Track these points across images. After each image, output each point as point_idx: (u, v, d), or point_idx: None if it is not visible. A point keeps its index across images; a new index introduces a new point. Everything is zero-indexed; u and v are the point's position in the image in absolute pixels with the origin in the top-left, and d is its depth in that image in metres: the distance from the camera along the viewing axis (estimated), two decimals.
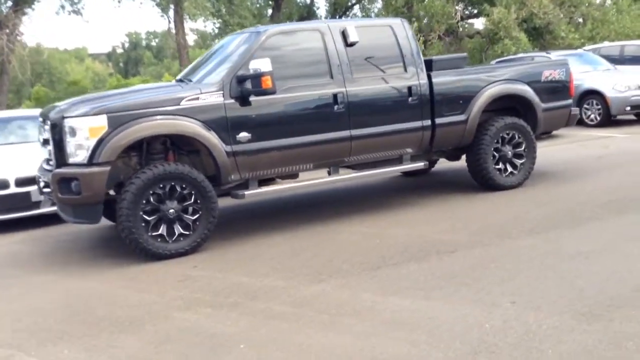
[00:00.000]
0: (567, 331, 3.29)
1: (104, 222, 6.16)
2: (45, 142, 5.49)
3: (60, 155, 5.16)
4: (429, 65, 6.53)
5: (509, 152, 6.81)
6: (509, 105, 7.00)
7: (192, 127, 5.27)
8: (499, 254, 4.74)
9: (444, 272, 4.42)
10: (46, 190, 5.53)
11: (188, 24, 27.17)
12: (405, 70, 6.28)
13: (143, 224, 5.15)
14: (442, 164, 8.12)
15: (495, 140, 6.72)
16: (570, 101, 7.27)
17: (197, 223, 5.34)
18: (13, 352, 3.67)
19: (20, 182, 6.90)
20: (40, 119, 5.71)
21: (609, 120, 11.73)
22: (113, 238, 6.06)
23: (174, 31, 23.62)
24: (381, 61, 6.19)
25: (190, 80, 5.87)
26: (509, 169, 6.85)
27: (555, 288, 3.93)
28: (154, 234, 5.21)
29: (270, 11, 26.61)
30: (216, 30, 25.83)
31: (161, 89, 5.91)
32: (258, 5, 26.62)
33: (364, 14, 29.09)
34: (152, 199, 5.16)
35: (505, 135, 6.78)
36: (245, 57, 5.55)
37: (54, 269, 5.45)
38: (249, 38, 5.82)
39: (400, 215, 6.23)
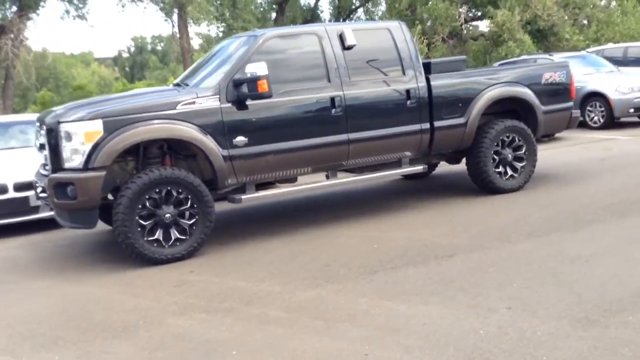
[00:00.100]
0: (562, 337, 3.25)
1: (102, 226, 6.16)
2: (42, 147, 5.48)
3: (56, 160, 5.15)
4: (428, 68, 6.49)
5: (509, 155, 6.76)
6: (509, 108, 6.95)
7: (188, 131, 5.25)
8: (498, 257, 4.69)
9: (441, 277, 4.37)
10: (43, 195, 5.52)
11: (193, 28, 27.30)
12: (404, 73, 6.25)
13: (139, 229, 5.13)
14: (443, 167, 8.08)
15: (495, 143, 6.68)
16: (571, 103, 7.21)
17: (194, 228, 5.32)
18: (7, 358, 3.65)
19: (19, 187, 6.90)
20: (37, 124, 5.71)
21: (612, 122, 11.65)
22: (111, 243, 6.04)
23: (178, 35, 23.68)
24: (379, 64, 6.16)
25: (187, 85, 5.86)
26: (510, 172, 6.81)
27: (553, 293, 3.88)
28: (150, 238, 5.19)
29: (274, 15, 26.64)
30: (220, 34, 25.86)
31: (157, 93, 5.89)
32: (262, 9, 26.64)
33: (367, 17, 29.09)
34: (148, 204, 5.14)
35: (506, 138, 6.73)
36: (242, 60, 5.53)
37: (52, 274, 5.44)
38: (246, 42, 5.80)
39: (399, 219, 6.19)
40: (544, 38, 21.20)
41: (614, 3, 24.11)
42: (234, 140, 5.43)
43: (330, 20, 28.44)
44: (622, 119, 11.94)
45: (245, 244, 5.75)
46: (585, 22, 22.94)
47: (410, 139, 6.27)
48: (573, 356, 3.04)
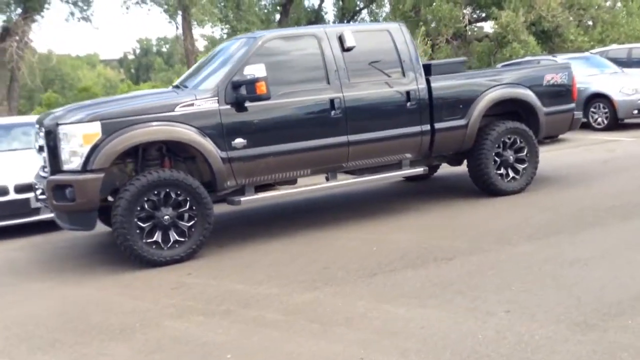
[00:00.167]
0: (560, 341, 3.21)
1: (103, 228, 6.16)
2: (41, 149, 5.48)
3: (54, 162, 5.15)
4: (428, 70, 6.46)
5: (511, 157, 6.73)
6: (510, 109, 6.92)
7: (187, 133, 5.24)
8: (497, 260, 4.66)
9: (440, 280, 4.35)
10: (42, 197, 5.52)
11: (198, 30, 27.35)
12: (404, 74, 6.22)
13: (138, 231, 5.12)
14: (445, 169, 8.04)
15: (497, 145, 6.64)
16: (573, 105, 7.17)
17: (193, 230, 5.31)
18: None
19: (19, 189, 6.91)
20: (37, 126, 5.71)
21: (616, 123, 11.58)
22: (111, 244, 6.03)
23: (182, 37, 23.73)
24: (379, 66, 6.14)
25: (187, 86, 5.85)
26: (511, 174, 6.77)
27: (552, 296, 3.85)
28: (149, 240, 5.18)
29: (278, 16, 26.66)
30: (225, 36, 25.89)
31: (156, 95, 5.89)
32: (266, 11, 26.67)
33: (372, 18, 29.08)
34: (146, 206, 5.14)
35: (507, 140, 6.70)
36: (241, 62, 5.52)
37: (51, 275, 5.44)
38: (245, 43, 5.79)
39: (400, 221, 6.17)
40: (549, 39, 21.10)
41: (619, 4, 23.98)
42: (232, 142, 5.42)
43: (334, 22, 28.46)
44: (626, 121, 11.86)
45: (244, 246, 5.74)
46: (590, 23, 22.82)
47: (411, 140, 6.24)
48: None
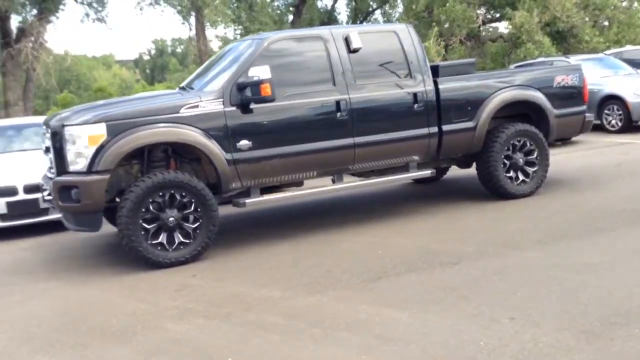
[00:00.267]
0: (564, 350, 3.15)
1: (111, 228, 6.17)
2: (48, 150, 5.50)
3: (60, 163, 5.17)
4: (436, 72, 6.40)
5: (521, 160, 6.64)
6: (520, 111, 6.84)
7: (191, 135, 5.24)
8: (503, 265, 4.59)
9: (444, 285, 4.29)
10: (49, 198, 5.54)
11: (213, 31, 27.45)
12: (411, 76, 6.17)
13: (143, 232, 5.13)
14: (454, 171, 7.97)
15: (506, 148, 6.56)
16: (584, 107, 7.06)
17: (198, 231, 5.30)
18: None
19: (28, 189, 6.95)
20: (44, 127, 5.74)
21: (630, 126, 11.39)
22: (118, 245, 6.03)
23: (195, 38, 23.80)
24: (385, 67, 6.09)
25: (193, 88, 5.85)
26: (521, 177, 6.69)
27: (558, 303, 3.77)
28: (154, 242, 5.18)
29: (291, 17, 26.65)
30: (238, 37, 25.95)
31: (161, 97, 5.90)
32: (279, 12, 26.66)
33: (385, 19, 28.97)
34: (151, 207, 5.14)
35: (517, 143, 6.62)
36: (246, 64, 5.50)
37: (56, 275, 5.46)
38: (250, 45, 5.78)
39: (406, 224, 6.11)
40: (564, 40, 20.87)
41: (635, 4, 23.66)
42: (237, 144, 5.40)
43: (347, 23, 28.39)
44: None
45: (249, 248, 5.72)
46: (606, 23, 22.55)
47: (418, 143, 6.19)
48: None
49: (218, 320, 4.00)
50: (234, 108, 5.41)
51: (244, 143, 5.42)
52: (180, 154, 5.54)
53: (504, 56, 22.35)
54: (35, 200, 6.90)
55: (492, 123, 6.57)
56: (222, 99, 5.39)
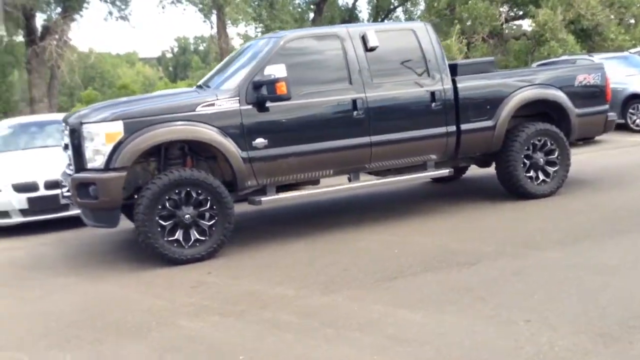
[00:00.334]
0: (581, 354, 3.09)
1: (129, 225, 6.22)
2: (66, 147, 5.57)
3: (78, 160, 5.23)
4: (454, 70, 6.33)
5: (541, 160, 6.55)
6: (541, 110, 6.73)
7: (207, 133, 5.25)
8: (522, 266, 4.52)
9: (461, 285, 4.24)
10: (67, 194, 5.61)
11: (234, 29, 27.55)
12: (429, 74, 6.11)
13: (159, 229, 5.16)
14: (474, 170, 7.89)
15: (526, 147, 6.47)
16: (606, 106, 6.93)
17: (213, 229, 5.32)
18: (21, 356, 3.70)
19: (49, 185, 7.04)
20: (63, 124, 5.80)
21: None
22: (135, 241, 6.07)
23: (217, 36, 23.91)
24: (403, 66, 6.05)
25: (209, 86, 5.87)
26: (541, 176, 6.59)
27: (576, 305, 3.71)
28: (170, 239, 5.21)
29: (312, 15, 26.62)
30: (259, 35, 26.01)
31: (178, 95, 5.93)
32: (299, 10, 26.65)
33: (407, 16, 28.80)
34: (168, 205, 5.17)
35: (537, 142, 6.52)
36: (262, 62, 5.50)
37: (75, 271, 5.52)
38: (267, 43, 5.77)
39: (424, 223, 6.06)
40: (588, 38, 20.54)
41: None
42: (253, 142, 5.41)
43: (368, 20, 28.29)
44: None
45: (265, 245, 5.73)
46: (632, 21, 22.14)
47: (435, 142, 6.13)
48: None
49: (233, 318, 4.01)
50: (249, 106, 5.42)
51: (259, 141, 5.43)
52: (197, 151, 5.56)
53: (527, 54, 22.08)
54: (56, 196, 6.98)
55: (512, 122, 6.49)
56: (238, 97, 5.40)
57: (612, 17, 20.44)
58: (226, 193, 5.33)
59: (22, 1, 19.29)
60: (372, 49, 5.89)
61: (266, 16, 23.50)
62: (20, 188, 7.12)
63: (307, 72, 5.69)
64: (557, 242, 5.01)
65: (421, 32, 6.20)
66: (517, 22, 24.92)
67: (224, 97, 5.39)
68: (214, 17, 23.65)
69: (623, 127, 11.15)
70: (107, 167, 5.09)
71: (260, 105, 5.43)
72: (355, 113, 5.74)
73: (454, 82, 6.23)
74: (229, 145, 5.32)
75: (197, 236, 5.28)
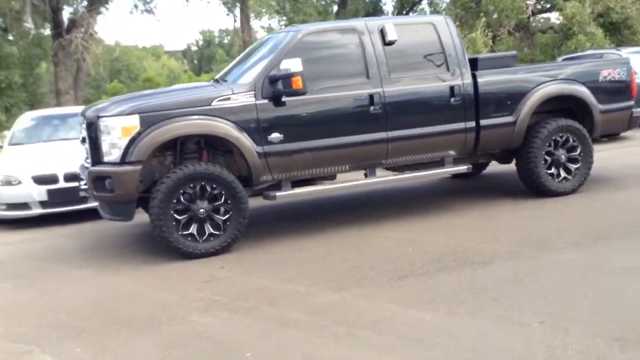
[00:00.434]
0: (594, 358, 3.00)
1: (146, 218, 6.23)
2: (84, 140, 5.61)
3: (95, 153, 5.26)
4: (475, 65, 6.22)
5: (563, 157, 6.42)
6: (563, 106, 6.59)
7: (223, 127, 5.24)
8: (537, 267, 4.43)
9: (474, 285, 4.16)
10: (84, 187, 5.66)
11: (258, 22, 27.57)
12: (448, 69, 6.02)
13: (174, 223, 5.18)
14: (494, 167, 7.76)
15: (547, 144, 6.35)
16: (631, 102, 6.75)
17: (228, 223, 5.32)
18: (32, 348, 3.73)
19: (69, 177, 7.12)
20: (81, 117, 5.85)
21: None
22: (152, 235, 6.08)
23: (240, 29, 23.96)
24: (421, 60, 5.97)
25: (226, 80, 5.85)
26: (563, 174, 6.45)
27: (592, 308, 3.61)
28: (184, 233, 5.22)
29: (335, 8, 26.50)
30: (283, 28, 25.98)
31: (194, 89, 5.94)
32: (323, 3, 26.55)
33: (432, 9, 28.49)
34: (182, 199, 5.18)
35: (559, 139, 6.39)
36: (279, 56, 5.46)
37: (91, 263, 5.58)
38: (284, 37, 5.73)
39: (440, 221, 5.98)
40: (617, 31, 20.10)
41: None
42: (269, 137, 5.38)
43: (392, 13, 28.06)
44: None
45: (279, 241, 5.71)
46: None
47: (454, 137, 6.04)
48: None
49: (241, 314, 4.00)
50: (265, 101, 5.39)
51: (275, 136, 5.40)
52: (213, 146, 5.56)
53: (554, 48, 21.70)
54: (75, 189, 7.02)
55: (533, 118, 6.37)
56: (253, 92, 5.37)
57: None
58: (240, 188, 5.32)
59: None
60: (391, 43, 5.82)
61: (289, 9, 23.48)
62: (40, 180, 7.23)
63: (324, 67, 5.65)
64: (575, 242, 4.90)
65: (441, 26, 6.11)
66: (544, 15, 24.53)
67: (239, 91, 5.37)
68: (237, 11, 23.71)
69: None
70: (122, 161, 5.11)
71: (276, 100, 5.40)
72: (372, 108, 5.68)
73: (474, 76, 6.13)
74: (244, 139, 5.30)
75: (212, 230, 5.29)
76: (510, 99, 6.23)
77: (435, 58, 6.01)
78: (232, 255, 5.36)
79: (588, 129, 6.53)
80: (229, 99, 5.32)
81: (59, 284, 5.06)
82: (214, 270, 4.98)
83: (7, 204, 7.26)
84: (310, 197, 7.02)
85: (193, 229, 5.25)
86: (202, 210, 5.22)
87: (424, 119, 5.91)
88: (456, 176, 7.76)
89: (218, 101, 5.29)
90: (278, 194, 5.61)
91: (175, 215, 5.18)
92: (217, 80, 6.16)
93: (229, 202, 5.29)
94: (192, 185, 5.19)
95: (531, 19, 22.70)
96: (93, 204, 7.01)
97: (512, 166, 6.99)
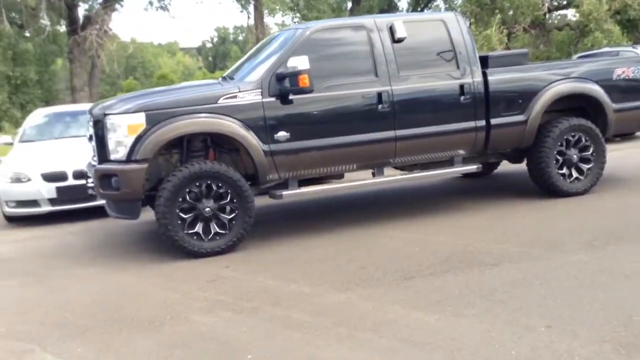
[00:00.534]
0: None
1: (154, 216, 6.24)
2: (91, 138, 5.61)
3: (102, 151, 5.26)
4: (485, 62, 6.13)
5: (575, 156, 6.31)
6: (575, 105, 6.48)
7: (229, 125, 5.21)
8: (547, 269, 4.35)
9: (481, 287, 4.10)
10: (91, 185, 5.66)
11: (272, 19, 27.56)
12: (458, 67, 5.94)
13: (179, 222, 5.16)
14: (505, 166, 7.67)
15: (559, 143, 6.25)
16: None
17: (233, 222, 5.29)
18: (34, 347, 3.73)
19: (77, 175, 7.14)
20: (88, 115, 5.85)
21: None
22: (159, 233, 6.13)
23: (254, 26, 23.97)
24: (431, 58, 5.90)
25: (233, 78, 5.82)
26: (575, 174, 6.35)
27: (601, 312, 3.52)
28: (190, 231, 5.21)
29: (349, 5, 26.40)
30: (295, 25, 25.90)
31: (201, 87, 5.90)
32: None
33: (447, 5, 28.27)
34: (188, 197, 5.16)
35: (571, 138, 6.29)
36: (286, 54, 5.42)
37: (98, 261, 5.58)
38: (292, 35, 5.68)
39: (449, 221, 5.91)
40: (635, 29, 19.81)
41: None
42: (275, 135, 5.34)
43: (407, 10, 27.88)
44: None
45: (285, 240, 5.68)
46: None
47: (464, 136, 5.96)
48: None
49: (245, 315, 3.97)
50: (272, 99, 5.35)
51: (281, 134, 5.36)
52: (219, 144, 5.53)
53: (570, 45, 21.43)
54: (84, 186, 7.05)
55: (545, 117, 6.27)
56: (260, 90, 5.34)
57: None
58: (246, 186, 5.29)
59: None
60: (400, 40, 5.75)
61: (303, 6, 23.43)
62: (49, 177, 7.25)
63: (332, 64, 5.59)
64: (586, 244, 4.81)
65: (451, 23, 6.02)
66: (560, 12, 24.25)
67: (246, 89, 5.34)
68: (251, 8, 23.72)
69: None
70: (128, 159, 5.10)
71: (282, 98, 5.36)
72: (380, 106, 5.62)
73: (484, 74, 6.04)
74: (250, 138, 5.27)
75: (217, 229, 5.27)
76: (521, 98, 6.14)
77: (445, 56, 5.94)
78: (238, 254, 5.33)
79: (601, 128, 6.41)
80: (235, 96, 5.29)
81: (66, 281, 5.06)
82: (219, 270, 4.96)
83: (17, 201, 7.30)
84: (317, 196, 6.97)
85: (199, 227, 5.23)
86: (207, 209, 5.19)
87: (433, 117, 5.83)
88: (466, 175, 7.68)
89: (224, 99, 5.26)
90: (285, 193, 5.57)
91: (181, 214, 5.16)
92: (224, 78, 6.13)
93: (234, 201, 5.26)
94: (197, 184, 5.17)
95: (547, 15, 22.42)
96: (101, 201, 7.05)
97: (523, 166, 6.90)
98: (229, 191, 5.23)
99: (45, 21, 22.63)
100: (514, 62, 6.37)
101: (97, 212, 7.28)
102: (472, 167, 6.22)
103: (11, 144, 8.90)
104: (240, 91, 5.32)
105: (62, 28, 24.41)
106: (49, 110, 9.80)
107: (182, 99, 5.30)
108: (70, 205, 7.25)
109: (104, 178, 5.23)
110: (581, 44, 20.38)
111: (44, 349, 3.68)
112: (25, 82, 26.47)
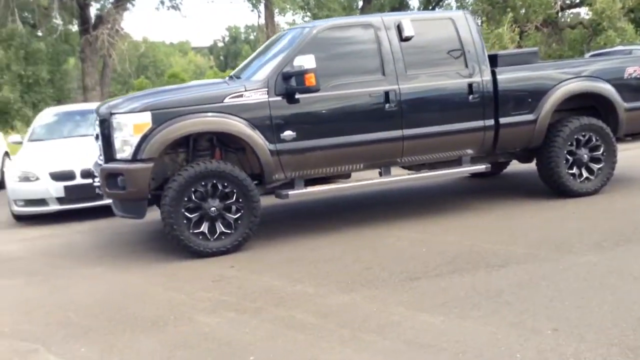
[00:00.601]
0: None
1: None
2: (98, 137, 5.61)
3: (108, 150, 5.26)
4: (494, 61, 6.06)
5: (585, 156, 6.23)
6: (586, 104, 6.39)
7: (235, 124, 5.19)
8: (555, 270, 4.29)
9: (487, 288, 4.05)
10: (98, 184, 5.66)
11: (282, 18, 27.54)
12: (467, 66, 5.88)
13: (185, 221, 5.15)
14: (515, 166, 7.59)
15: (569, 143, 6.17)
16: None
17: (239, 222, 5.28)
18: (37, 347, 3.73)
19: (85, 174, 7.15)
20: (95, 114, 5.85)
21: None
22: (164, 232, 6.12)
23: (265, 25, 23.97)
24: (439, 57, 5.84)
25: (240, 77, 5.80)
26: (585, 174, 6.27)
27: (609, 315, 3.47)
28: (195, 231, 5.19)
29: (360, 3, 26.29)
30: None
31: (207, 86, 5.89)
32: None
33: (458, 4, 28.09)
34: (194, 197, 5.14)
35: (581, 137, 6.20)
36: (293, 53, 5.39)
37: (103, 260, 5.59)
38: (299, 33, 5.65)
39: (456, 221, 5.86)
40: None
41: None
42: (281, 135, 5.32)
43: (418, 9, 27.74)
44: None
45: (291, 240, 5.65)
46: None
47: (472, 136, 5.90)
48: None
49: (248, 315, 3.94)
50: (278, 98, 5.32)
51: (287, 134, 5.33)
52: (225, 143, 5.52)
53: (583, 44, 21.23)
54: (92, 185, 7.07)
55: (555, 116, 6.20)
56: (266, 89, 5.31)
57: None
58: (252, 186, 5.27)
59: None
60: (408, 39, 5.70)
61: (314, 5, 23.38)
62: (57, 176, 7.28)
63: (339, 63, 5.56)
64: (595, 245, 4.74)
65: (460, 22, 5.96)
66: (573, 10, 23.99)
67: (252, 88, 5.32)
68: (262, 7, 23.71)
69: None
70: (134, 158, 5.10)
71: (289, 97, 5.33)
72: (387, 106, 5.58)
73: (493, 73, 5.98)
74: (256, 137, 5.25)
75: (223, 229, 5.25)
76: (530, 97, 6.07)
77: (453, 54, 5.88)
78: (243, 254, 5.31)
79: (612, 127, 6.33)
80: (241, 95, 5.27)
81: (71, 281, 5.07)
82: (224, 270, 4.94)
83: (25, 200, 7.33)
84: (323, 195, 6.94)
85: (204, 227, 5.22)
86: (213, 209, 5.18)
87: (441, 116, 5.78)
88: (475, 175, 7.60)
89: (230, 98, 5.24)
90: (291, 192, 5.54)
91: (187, 214, 5.15)
92: (231, 77, 6.12)
93: (240, 200, 5.25)
94: (203, 183, 5.15)
95: (560, 14, 22.21)
96: (109, 200, 7.07)
97: (532, 165, 6.82)
98: (235, 191, 5.22)
99: (57, 21, 22.79)
100: (524, 60, 6.30)
101: (105, 211, 7.29)
102: (480, 167, 6.16)
103: (20, 143, 8.94)
104: (246, 90, 5.30)
105: (74, 27, 24.54)
106: (58, 109, 9.84)
107: (188, 98, 5.29)
108: (78, 204, 7.26)
109: (110, 177, 5.23)
110: (594, 42, 20.17)
111: (48, 349, 3.67)
112: (37, 81, 26.65)
